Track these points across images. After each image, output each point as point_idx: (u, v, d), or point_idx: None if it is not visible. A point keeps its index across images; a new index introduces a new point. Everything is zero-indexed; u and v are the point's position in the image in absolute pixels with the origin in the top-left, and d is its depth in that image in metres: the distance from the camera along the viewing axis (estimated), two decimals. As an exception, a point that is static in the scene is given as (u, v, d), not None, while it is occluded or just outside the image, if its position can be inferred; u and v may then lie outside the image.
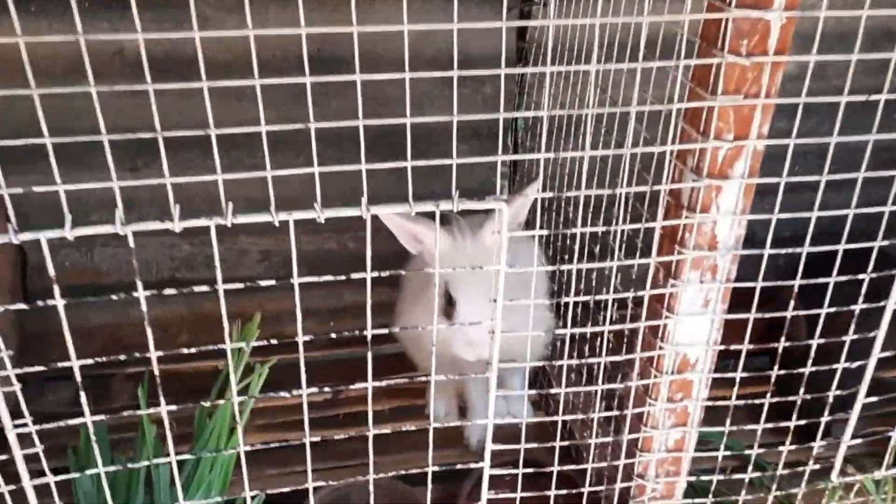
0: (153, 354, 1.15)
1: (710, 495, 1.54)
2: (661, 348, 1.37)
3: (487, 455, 1.38)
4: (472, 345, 1.63)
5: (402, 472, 1.87)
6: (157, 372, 1.14)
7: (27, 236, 0.95)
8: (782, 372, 1.39)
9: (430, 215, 1.73)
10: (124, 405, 2.20)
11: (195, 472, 1.56)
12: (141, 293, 1.07)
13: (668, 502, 1.57)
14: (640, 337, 1.39)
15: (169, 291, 1.12)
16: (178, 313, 2.37)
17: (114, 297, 1.11)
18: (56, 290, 1.05)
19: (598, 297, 1.39)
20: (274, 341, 1.21)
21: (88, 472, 1.23)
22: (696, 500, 1.57)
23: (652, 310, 1.37)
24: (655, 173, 1.31)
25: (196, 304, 2.38)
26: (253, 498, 1.64)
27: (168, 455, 1.87)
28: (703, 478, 1.53)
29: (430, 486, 1.37)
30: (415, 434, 2.24)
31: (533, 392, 2.30)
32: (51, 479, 1.20)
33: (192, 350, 1.18)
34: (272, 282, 1.14)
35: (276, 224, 1.04)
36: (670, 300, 1.34)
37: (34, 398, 2.26)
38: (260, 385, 1.78)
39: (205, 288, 1.14)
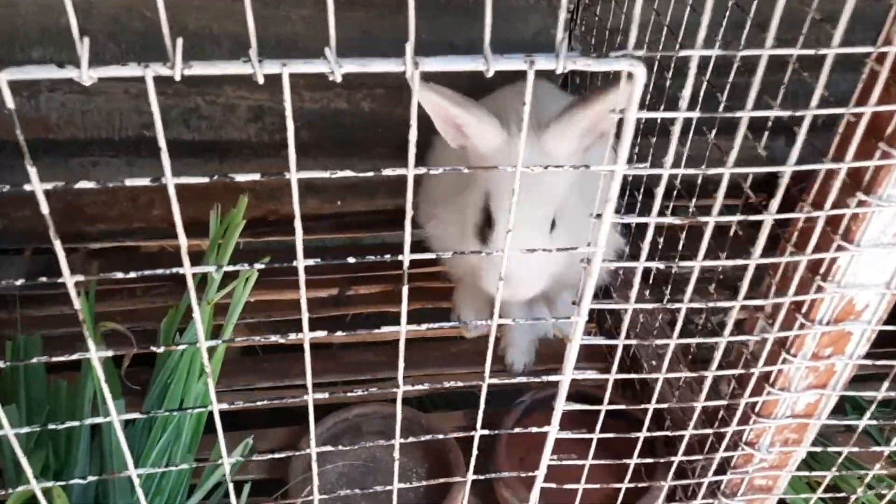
0: (57, 245, 0.72)
1: (835, 468, 1.17)
2: (819, 289, 0.95)
3: (556, 418, 1.00)
4: (507, 281, 1.17)
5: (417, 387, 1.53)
6: (66, 272, 0.73)
7: None
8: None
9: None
10: (85, 290, 1.81)
11: (160, 404, 1.18)
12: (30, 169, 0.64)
13: (777, 473, 1.20)
14: (789, 272, 0.97)
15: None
16: (151, 181, 1.93)
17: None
18: None
19: (723, 220, 0.88)
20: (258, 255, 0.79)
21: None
22: (815, 473, 1.21)
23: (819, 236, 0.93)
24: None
25: (172, 170, 1.93)
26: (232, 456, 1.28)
27: (123, 379, 1.50)
28: (831, 449, 1.15)
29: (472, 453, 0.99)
30: (440, 345, 1.87)
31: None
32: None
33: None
34: (251, 173, 0.71)
35: (260, 80, 0.63)
36: (851, 224, 0.90)
37: (-25, 277, 1.86)
38: (249, 289, 1.40)
39: (144, 182, 0.72)
